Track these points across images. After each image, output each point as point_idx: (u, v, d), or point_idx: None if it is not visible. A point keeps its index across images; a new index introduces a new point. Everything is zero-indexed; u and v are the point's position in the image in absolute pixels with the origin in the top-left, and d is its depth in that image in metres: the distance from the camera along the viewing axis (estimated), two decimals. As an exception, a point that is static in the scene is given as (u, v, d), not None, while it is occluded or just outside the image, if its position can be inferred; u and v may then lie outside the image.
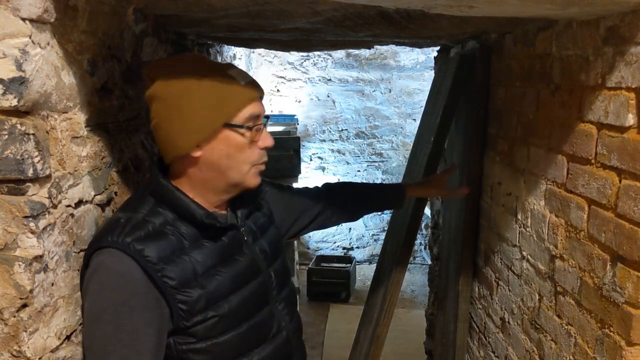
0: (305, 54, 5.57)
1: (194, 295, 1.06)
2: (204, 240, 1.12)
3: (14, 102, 0.86)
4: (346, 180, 5.97)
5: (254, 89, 1.14)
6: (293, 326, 1.29)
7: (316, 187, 1.67)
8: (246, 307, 1.16)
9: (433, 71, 2.91)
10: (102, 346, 1.01)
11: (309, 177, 5.81)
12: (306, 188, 1.66)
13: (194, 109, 1.07)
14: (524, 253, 1.68)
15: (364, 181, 6.01)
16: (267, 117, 1.20)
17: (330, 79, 5.80)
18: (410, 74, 5.79)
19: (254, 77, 1.18)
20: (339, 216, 1.66)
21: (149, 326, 1.02)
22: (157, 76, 1.12)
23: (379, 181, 6.02)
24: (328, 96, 5.83)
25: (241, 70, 1.15)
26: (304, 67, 5.76)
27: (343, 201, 1.68)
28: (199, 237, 1.12)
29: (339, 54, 5.59)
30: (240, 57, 4.35)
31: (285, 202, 1.48)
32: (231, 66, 1.15)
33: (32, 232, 0.91)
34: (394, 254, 2.37)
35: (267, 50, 5.15)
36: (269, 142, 1.17)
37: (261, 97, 1.17)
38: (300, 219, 1.53)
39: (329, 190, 1.66)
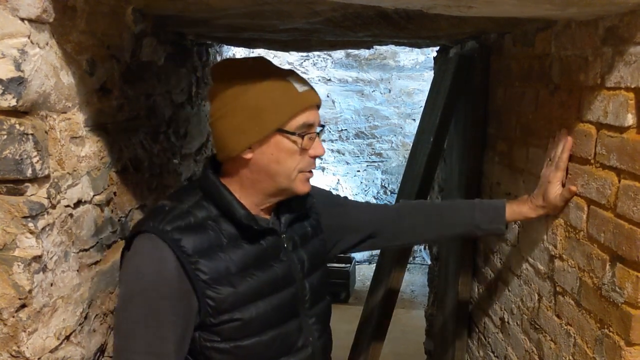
0: (304, 54, 5.57)
1: (223, 293, 1.06)
2: (243, 241, 1.12)
3: (13, 102, 0.86)
4: (346, 180, 5.97)
5: (311, 97, 1.13)
6: (321, 344, 1.26)
7: (385, 205, 1.57)
8: (274, 315, 1.14)
9: (432, 71, 2.91)
10: (130, 329, 1.03)
11: (309, 177, 5.80)
12: (367, 203, 1.56)
13: (248, 112, 1.08)
14: (524, 253, 1.68)
15: (364, 182, 6.00)
16: (323, 126, 1.19)
17: (329, 79, 5.80)
18: (409, 74, 5.79)
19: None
20: (405, 239, 1.51)
21: (176, 315, 1.04)
22: (219, 75, 1.13)
23: (378, 181, 6.02)
24: (327, 96, 5.83)
25: (300, 77, 1.15)
26: (303, 67, 5.77)
27: (413, 222, 1.48)
28: (238, 237, 1.12)
29: (339, 54, 5.59)
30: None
31: (336, 216, 1.41)
32: (292, 72, 1.15)
33: (31, 232, 0.91)
34: (394, 254, 2.37)
35: (266, 51, 5.13)
36: (320, 151, 1.16)
37: (318, 106, 1.16)
38: (350, 236, 1.44)
39: (399, 209, 1.51)
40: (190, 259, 1.03)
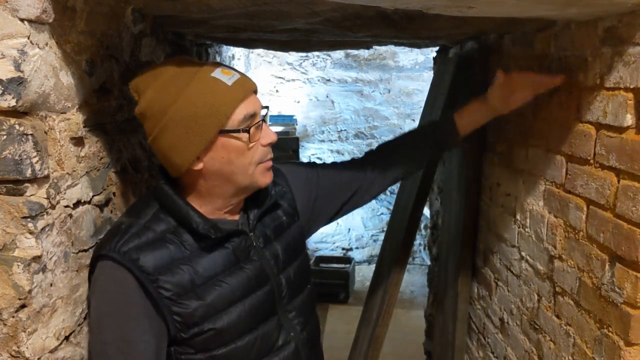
0: (304, 54, 5.57)
1: (190, 307, 1.04)
2: (207, 249, 1.09)
3: (13, 103, 0.86)
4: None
5: (243, 87, 1.06)
6: (305, 336, 1.21)
7: (351, 161, 1.52)
8: (249, 318, 1.11)
9: (432, 72, 2.92)
10: (102, 351, 1.03)
11: (308, 177, 5.80)
12: (334, 165, 1.51)
13: (184, 123, 1.02)
14: (523, 253, 1.68)
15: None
16: (266, 107, 1.12)
17: (329, 80, 5.80)
18: (409, 74, 5.79)
19: (250, 75, 1.11)
20: (378, 187, 1.50)
21: (147, 334, 1.02)
22: (142, 91, 1.08)
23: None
24: (327, 96, 5.82)
25: (226, 68, 1.07)
26: (303, 68, 5.76)
27: (381, 169, 1.49)
28: (200, 245, 1.08)
29: (338, 54, 5.59)
30: (239, 57, 4.35)
31: (312, 194, 1.36)
32: (216, 66, 1.07)
33: (31, 233, 0.91)
34: (393, 255, 2.37)
35: (266, 51, 5.15)
36: (271, 137, 1.10)
37: (254, 92, 1.10)
38: (327, 208, 1.40)
39: (364, 160, 1.50)
40: (150, 277, 1.01)
